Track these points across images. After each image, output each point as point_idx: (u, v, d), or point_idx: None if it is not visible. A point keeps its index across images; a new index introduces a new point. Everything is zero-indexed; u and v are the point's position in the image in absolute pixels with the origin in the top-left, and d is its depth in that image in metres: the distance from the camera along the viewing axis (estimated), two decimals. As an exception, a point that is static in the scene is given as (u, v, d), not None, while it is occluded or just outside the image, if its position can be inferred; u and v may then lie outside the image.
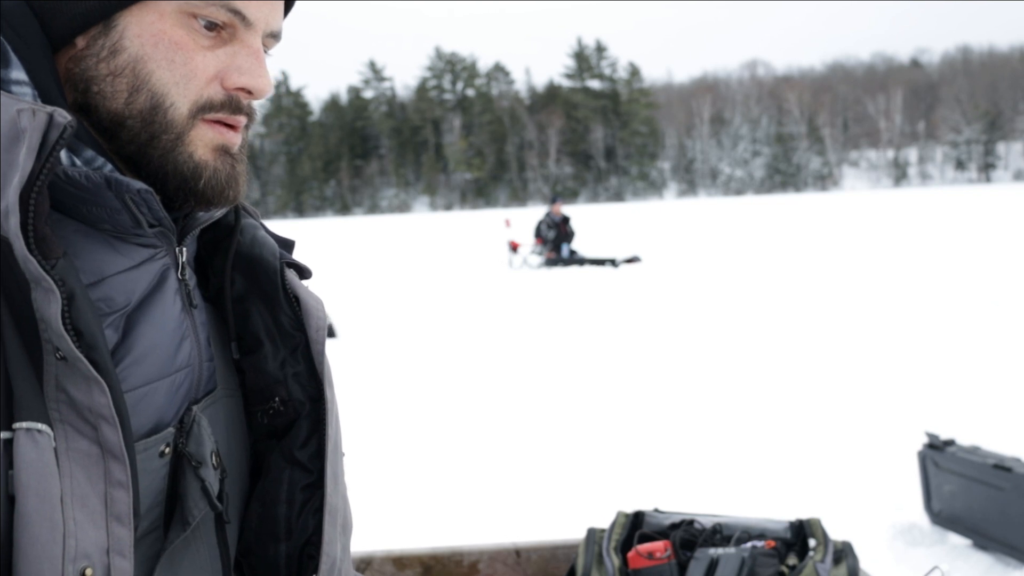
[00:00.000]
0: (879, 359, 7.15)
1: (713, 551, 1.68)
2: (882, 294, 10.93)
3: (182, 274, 0.90)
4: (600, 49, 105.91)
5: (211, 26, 0.82)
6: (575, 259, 17.58)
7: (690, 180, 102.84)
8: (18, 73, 0.79)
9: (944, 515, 3.78)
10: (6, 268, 0.72)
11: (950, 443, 3.83)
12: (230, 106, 0.85)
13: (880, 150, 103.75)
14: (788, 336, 8.40)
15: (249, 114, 0.88)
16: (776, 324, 9.14)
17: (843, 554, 1.74)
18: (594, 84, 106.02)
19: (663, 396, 6.29)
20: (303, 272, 1.03)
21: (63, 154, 0.80)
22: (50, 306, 0.72)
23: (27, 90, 0.79)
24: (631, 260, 17.03)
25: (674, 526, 1.82)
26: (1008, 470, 3.47)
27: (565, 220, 18.33)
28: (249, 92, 0.86)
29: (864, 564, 1.72)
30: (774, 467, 4.67)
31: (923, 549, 3.68)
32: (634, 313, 10.46)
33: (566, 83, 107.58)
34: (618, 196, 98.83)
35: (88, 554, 0.75)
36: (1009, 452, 3.85)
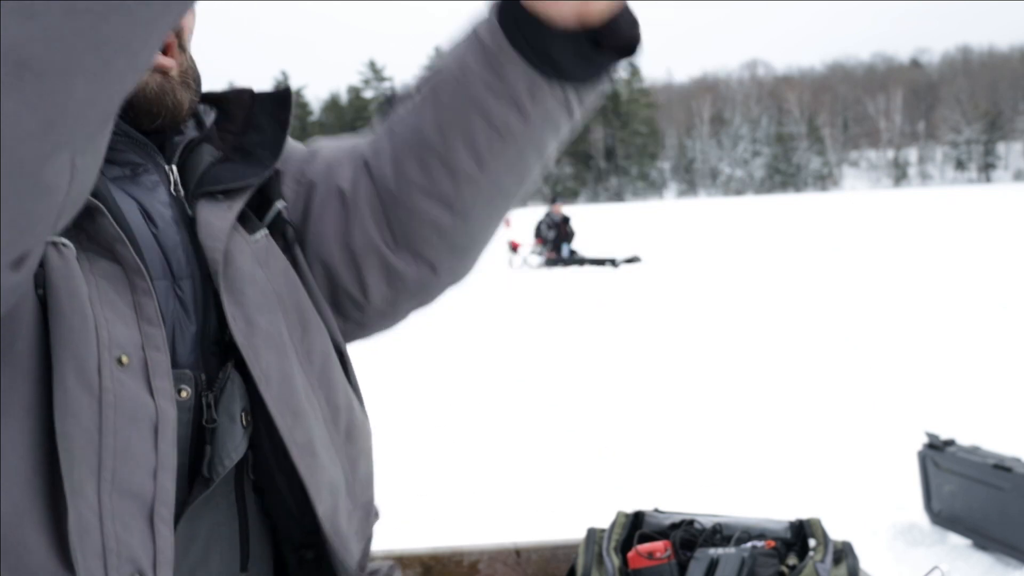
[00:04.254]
0: (879, 359, 7.15)
1: (713, 551, 1.68)
2: (882, 294, 10.93)
3: (175, 190, 0.96)
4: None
5: None
6: (575, 259, 17.58)
7: (690, 180, 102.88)
8: None
9: (944, 515, 3.78)
10: None
11: (950, 443, 3.83)
12: None
13: (880, 150, 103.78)
14: (788, 336, 8.40)
15: (178, 33, 0.95)
16: (776, 324, 9.14)
17: (843, 554, 1.74)
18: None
19: (663, 396, 6.29)
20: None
21: None
22: None
23: None
24: (631, 260, 17.03)
25: (674, 526, 1.82)
26: (1008, 470, 3.47)
27: (565, 220, 18.33)
28: None
29: (864, 564, 1.72)
30: (774, 467, 4.67)
31: (923, 549, 3.68)
32: (634, 313, 10.46)
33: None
34: (618, 196, 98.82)
35: (122, 344, 0.82)
36: (1009, 452, 3.84)
